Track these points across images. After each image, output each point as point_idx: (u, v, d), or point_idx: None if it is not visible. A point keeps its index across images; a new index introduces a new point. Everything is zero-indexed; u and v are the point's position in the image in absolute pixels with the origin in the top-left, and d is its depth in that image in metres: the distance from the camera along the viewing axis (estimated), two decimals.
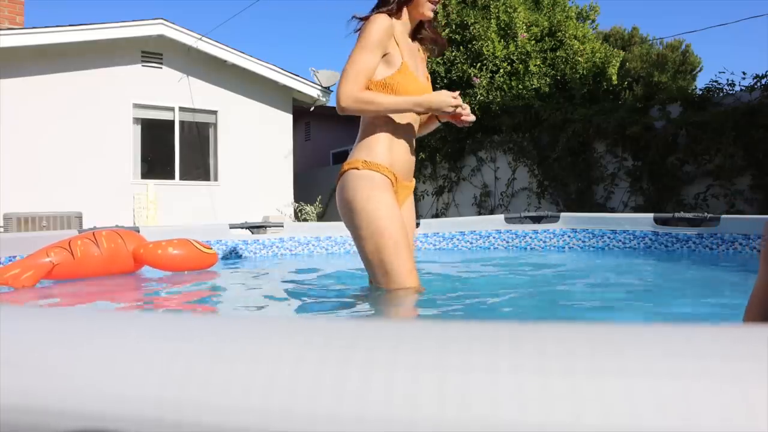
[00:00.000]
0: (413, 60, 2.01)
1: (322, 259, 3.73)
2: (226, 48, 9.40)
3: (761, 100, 5.83)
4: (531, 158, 8.06)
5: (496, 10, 8.70)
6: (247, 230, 3.82)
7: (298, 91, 10.21)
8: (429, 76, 2.14)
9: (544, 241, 3.89)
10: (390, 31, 1.89)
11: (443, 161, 9.24)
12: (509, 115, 8.23)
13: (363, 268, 1.93)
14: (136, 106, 9.04)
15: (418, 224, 3.78)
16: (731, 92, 6.31)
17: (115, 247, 2.67)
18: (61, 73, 8.36)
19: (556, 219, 3.92)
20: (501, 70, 8.41)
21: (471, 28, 8.68)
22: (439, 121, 2.10)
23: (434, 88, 2.05)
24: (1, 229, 5.91)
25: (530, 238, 3.93)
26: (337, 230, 3.94)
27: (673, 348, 0.31)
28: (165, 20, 8.82)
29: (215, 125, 9.81)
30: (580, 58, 8.31)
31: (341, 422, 0.29)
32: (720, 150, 5.97)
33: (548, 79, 8.29)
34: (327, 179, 10.72)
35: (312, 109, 10.85)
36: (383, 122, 1.93)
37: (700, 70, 14.27)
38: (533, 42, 8.64)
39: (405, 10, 1.99)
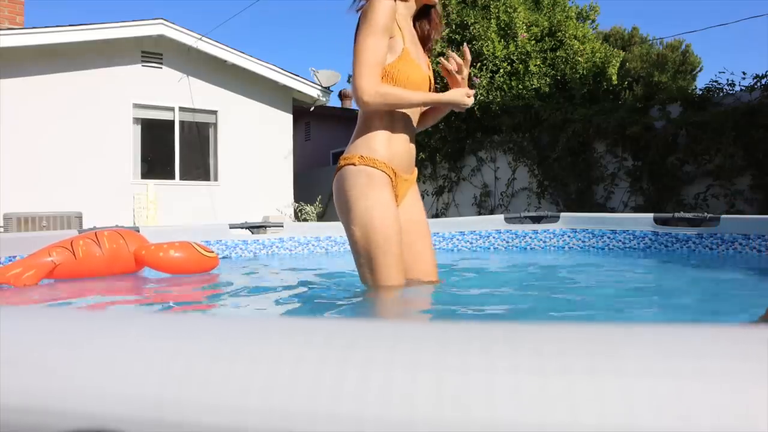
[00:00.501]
0: (415, 46, 1.91)
1: (322, 259, 3.73)
2: (226, 48, 9.39)
3: (761, 100, 5.83)
4: (531, 158, 8.06)
5: (496, 10, 8.69)
6: (247, 230, 3.82)
7: (298, 91, 10.21)
8: (430, 63, 2.05)
9: (544, 241, 3.88)
10: (393, 13, 1.77)
11: (443, 161, 9.24)
12: (509, 115, 8.23)
13: None
14: (136, 106, 9.04)
15: None
16: (731, 92, 6.31)
17: (116, 247, 2.67)
18: (61, 73, 8.36)
19: (556, 219, 3.91)
20: (501, 70, 8.41)
21: (471, 28, 8.68)
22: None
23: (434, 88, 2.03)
24: (1, 229, 5.91)
25: (530, 238, 3.93)
26: (337, 230, 3.94)
27: (670, 348, 0.31)
28: (165, 20, 8.82)
29: (215, 125, 9.81)
30: (580, 58, 8.30)
31: (340, 422, 0.29)
32: (720, 150, 5.97)
33: (548, 79, 8.29)
34: (327, 179, 10.67)
35: (312, 109, 10.85)
36: (382, 114, 1.85)
37: (700, 70, 14.28)
38: (533, 42, 8.63)
39: None
